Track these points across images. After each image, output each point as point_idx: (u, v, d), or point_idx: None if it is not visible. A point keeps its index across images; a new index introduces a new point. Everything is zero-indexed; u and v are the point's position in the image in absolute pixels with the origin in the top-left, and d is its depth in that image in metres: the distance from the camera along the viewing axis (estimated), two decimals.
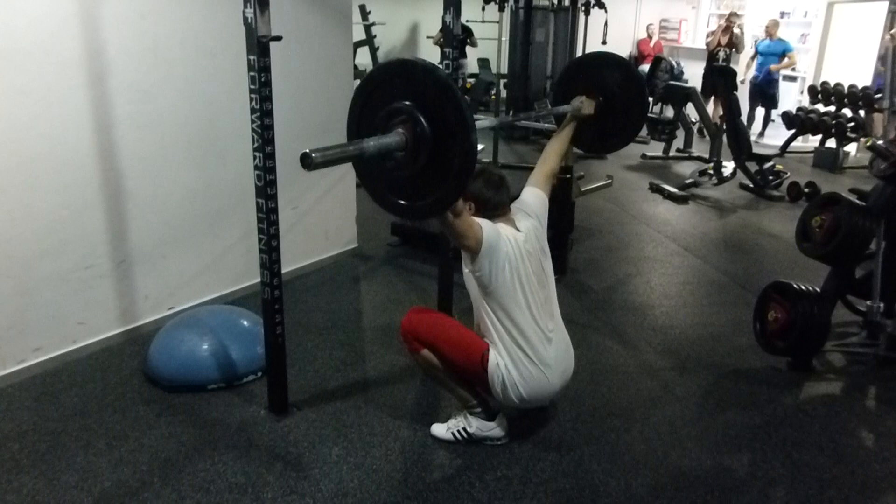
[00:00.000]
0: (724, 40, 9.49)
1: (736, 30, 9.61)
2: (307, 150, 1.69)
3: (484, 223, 2.34)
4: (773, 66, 9.27)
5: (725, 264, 4.77)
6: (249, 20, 2.26)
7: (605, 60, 3.10)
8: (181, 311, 3.45)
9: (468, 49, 10.40)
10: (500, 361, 2.42)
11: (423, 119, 1.88)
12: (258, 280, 2.61)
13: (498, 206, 2.50)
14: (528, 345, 2.42)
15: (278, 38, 2.31)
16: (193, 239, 3.57)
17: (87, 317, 3.16)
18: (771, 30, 9.34)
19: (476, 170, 2.56)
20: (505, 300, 2.39)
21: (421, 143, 1.90)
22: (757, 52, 9.57)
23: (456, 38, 3.14)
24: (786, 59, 9.34)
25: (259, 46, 2.28)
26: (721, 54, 9.41)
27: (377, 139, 1.87)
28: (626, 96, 3.01)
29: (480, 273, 2.35)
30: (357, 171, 2.18)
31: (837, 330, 3.56)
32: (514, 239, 2.43)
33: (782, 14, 10.84)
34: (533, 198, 2.68)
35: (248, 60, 2.32)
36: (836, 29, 9.65)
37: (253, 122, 2.38)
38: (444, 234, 2.30)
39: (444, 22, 3.12)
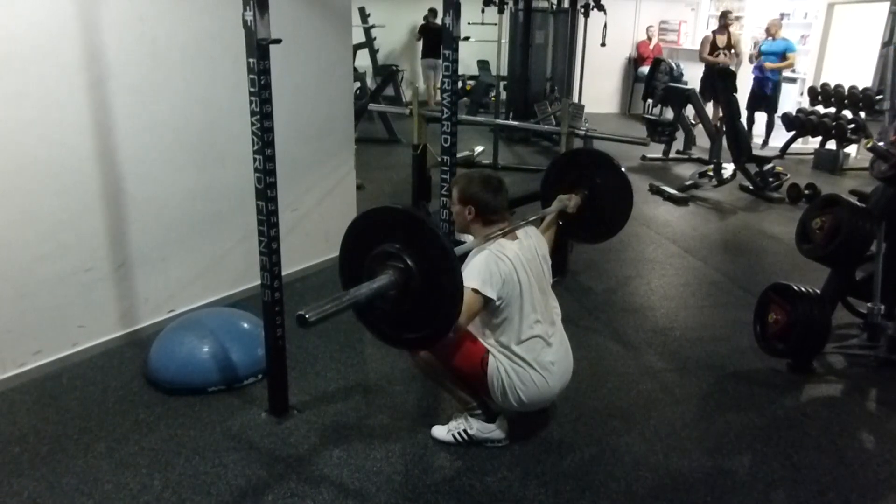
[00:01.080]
0: (723, 42, 9.32)
1: (734, 30, 9.44)
2: (301, 312, 1.76)
3: (477, 280, 2.32)
4: (767, 64, 9.02)
5: (725, 266, 4.77)
6: (249, 23, 2.26)
7: (589, 158, 3.28)
8: (181, 313, 3.45)
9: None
10: (500, 365, 2.42)
11: (409, 259, 1.99)
12: (258, 282, 2.61)
13: (496, 210, 2.51)
14: (528, 349, 2.43)
15: (278, 41, 2.31)
16: (193, 241, 3.57)
17: (88, 320, 3.16)
18: (773, 29, 9.15)
19: (474, 172, 2.57)
20: (507, 308, 2.40)
21: (410, 280, 1.99)
22: (759, 53, 9.38)
23: (455, 40, 3.14)
24: (785, 60, 9.13)
25: (259, 49, 2.29)
26: (721, 56, 9.27)
27: (368, 285, 1.97)
28: (610, 189, 3.13)
29: (500, 302, 2.38)
30: (358, 318, 2.23)
31: (838, 332, 3.56)
32: (513, 254, 2.43)
33: (782, 15, 10.84)
34: (536, 234, 2.73)
35: (248, 63, 2.32)
36: (836, 30, 9.63)
37: (253, 124, 2.38)
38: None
39: (442, 23, 3.13)
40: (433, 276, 1.99)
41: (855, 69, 8.97)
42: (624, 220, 3.24)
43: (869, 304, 3.32)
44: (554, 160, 3.47)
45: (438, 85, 10.92)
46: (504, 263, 2.37)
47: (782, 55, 9.01)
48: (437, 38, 11.22)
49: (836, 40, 9.64)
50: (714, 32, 9.45)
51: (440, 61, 10.94)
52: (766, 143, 9.33)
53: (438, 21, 10.15)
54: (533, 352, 2.43)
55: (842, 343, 3.49)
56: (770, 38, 9.15)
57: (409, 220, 2.06)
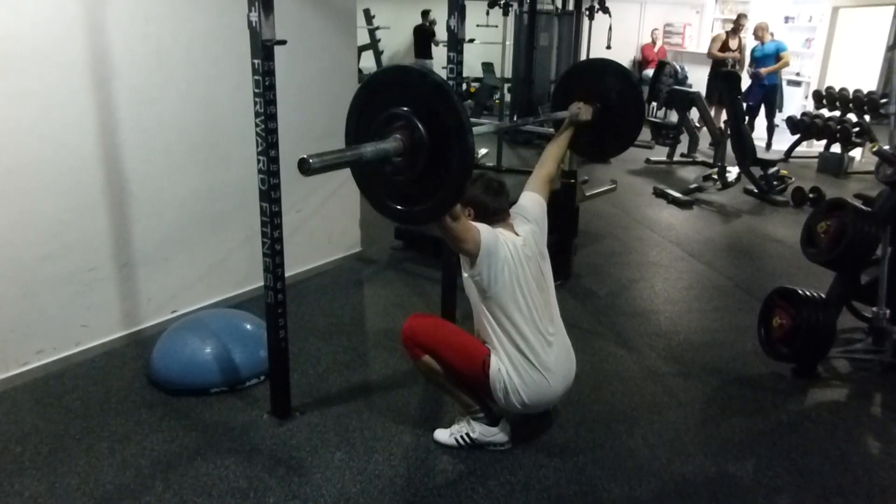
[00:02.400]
0: (735, 44, 9.27)
1: (743, 34, 9.38)
2: (304, 156, 1.70)
3: (482, 227, 2.34)
4: (763, 70, 8.94)
5: (730, 269, 4.76)
6: (254, 24, 2.26)
7: (603, 67, 3.11)
8: (184, 314, 3.45)
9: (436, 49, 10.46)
10: (502, 367, 2.41)
11: (419, 124, 1.90)
12: (261, 283, 2.61)
13: (497, 212, 2.50)
14: (530, 349, 2.42)
15: (283, 42, 2.31)
16: (196, 242, 3.57)
17: (90, 320, 3.16)
18: (760, 33, 9.06)
19: (475, 175, 2.55)
20: (504, 304, 2.39)
21: (418, 148, 1.91)
22: (753, 59, 9.32)
23: (460, 42, 3.14)
24: (780, 61, 9.01)
25: (264, 50, 2.28)
26: (729, 60, 9.20)
27: (374, 144, 1.88)
28: (623, 102, 3.01)
29: (479, 277, 2.34)
30: (355, 178, 2.18)
31: (843, 336, 3.54)
32: (513, 243, 2.43)
33: (787, 19, 10.82)
34: (531, 203, 2.68)
35: (253, 64, 2.32)
36: (841, 33, 9.61)
37: (257, 125, 2.38)
38: (443, 238, 2.30)
39: (448, 25, 3.12)
40: (443, 144, 1.89)
41: (860, 73, 8.95)
42: (635, 134, 3.14)
43: (874, 309, 3.30)
44: (567, 70, 3.35)
45: None
46: (503, 245, 2.37)
47: (776, 57, 8.96)
48: (428, 40, 11.27)
49: (841, 44, 9.62)
50: (727, 33, 9.46)
51: (430, 62, 10.95)
52: (769, 146, 9.23)
53: (428, 22, 10.17)
54: (534, 352, 2.42)
55: (847, 347, 3.47)
56: (759, 43, 9.10)
57: (424, 81, 1.93)
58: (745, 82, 9.10)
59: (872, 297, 3.34)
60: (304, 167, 1.71)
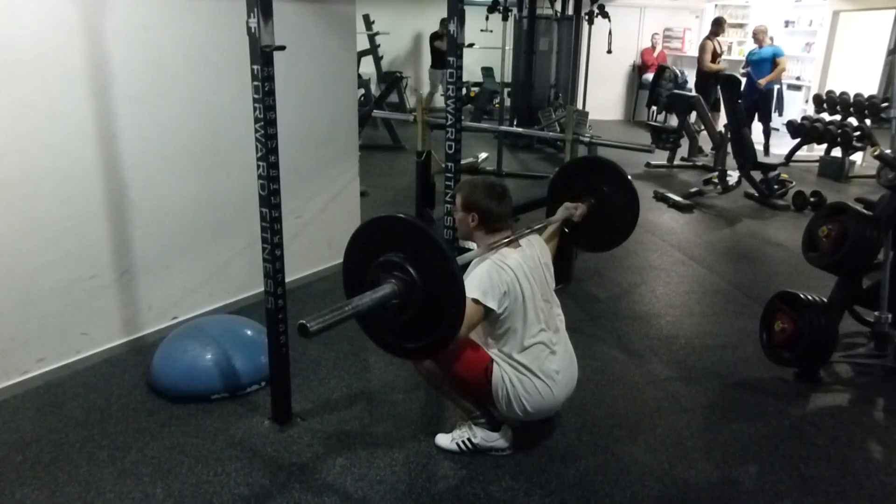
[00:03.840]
0: (720, 49, 9.24)
1: (723, 37, 9.30)
2: (303, 322, 1.76)
3: (478, 282, 2.32)
4: (761, 81, 8.72)
5: (731, 274, 4.75)
6: (253, 30, 2.26)
7: (597, 165, 3.25)
8: (185, 320, 3.45)
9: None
10: (505, 375, 2.40)
11: (412, 269, 1.99)
12: (262, 289, 2.60)
13: (500, 219, 2.50)
14: (532, 357, 2.41)
15: (282, 48, 2.31)
16: (197, 248, 3.56)
17: (91, 327, 3.15)
18: (759, 36, 8.91)
19: (478, 180, 2.55)
20: (511, 317, 2.39)
21: (413, 291, 2.00)
22: (747, 62, 9.15)
23: (460, 46, 3.15)
24: (777, 67, 8.79)
25: (263, 56, 2.29)
26: (723, 63, 9.17)
27: (371, 294, 1.97)
28: (617, 200, 3.12)
29: (501, 315, 2.37)
30: (359, 322, 2.22)
31: (845, 340, 3.53)
32: (516, 261, 2.42)
33: (787, 23, 10.83)
34: (542, 244, 2.71)
35: (252, 70, 2.32)
36: (841, 37, 9.62)
37: (256, 131, 2.38)
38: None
39: (448, 30, 3.13)
40: (435, 287, 1.99)
41: (860, 76, 8.95)
42: (629, 230, 3.22)
43: (876, 313, 3.29)
44: (560, 168, 3.45)
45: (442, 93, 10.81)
46: (506, 273, 2.36)
47: (772, 62, 8.80)
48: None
49: (842, 48, 9.63)
50: (711, 39, 9.28)
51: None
52: (766, 150, 9.09)
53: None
54: (537, 360, 2.42)
55: (849, 352, 3.46)
56: (757, 46, 8.98)
57: (412, 229, 2.07)
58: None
59: (874, 302, 3.33)
60: (304, 332, 1.77)
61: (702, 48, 9.31)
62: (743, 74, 9.00)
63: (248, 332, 3.10)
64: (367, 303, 1.94)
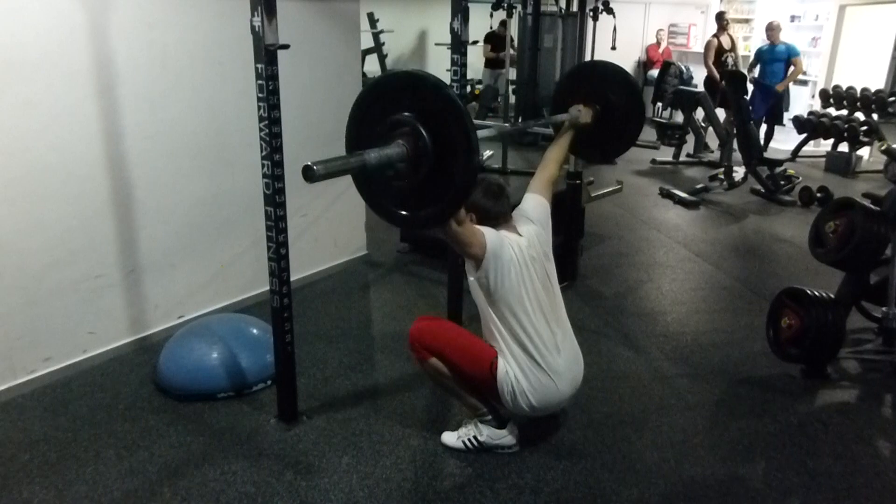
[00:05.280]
0: (728, 43, 8.78)
1: (732, 32, 8.88)
2: (309, 163, 1.69)
3: (486, 230, 2.34)
4: (779, 86, 8.26)
5: (737, 270, 4.73)
6: (257, 28, 2.26)
7: (603, 69, 3.08)
8: (191, 319, 3.46)
9: None
10: (510, 370, 2.40)
11: (424, 132, 1.88)
12: (267, 288, 2.60)
13: (499, 216, 2.49)
14: (537, 352, 2.40)
15: (286, 47, 2.31)
16: (203, 247, 3.57)
17: (97, 326, 3.16)
18: (773, 34, 8.38)
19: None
20: (511, 306, 2.38)
21: (422, 157, 1.90)
22: (757, 60, 8.74)
23: (463, 44, 3.13)
24: (791, 69, 8.26)
25: (267, 55, 2.28)
26: (729, 60, 8.80)
27: (379, 151, 1.87)
28: (623, 104, 2.99)
29: (485, 280, 2.34)
30: (356, 183, 2.15)
31: (852, 336, 3.51)
32: (518, 245, 2.43)
33: (792, 18, 10.77)
34: (534, 204, 2.66)
35: (256, 69, 2.32)
36: (847, 32, 9.56)
37: (261, 130, 2.38)
38: (449, 242, 2.31)
39: (451, 28, 3.12)
40: (448, 152, 1.88)
41: (867, 71, 8.89)
42: (634, 137, 3.10)
43: (884, 309, 3.27)
44: (568, 72, 3.29)
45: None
46: (507, 249, 2.36)
47: (786, 61, 8.29)
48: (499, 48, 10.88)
49: (848, 42, 9.56)
50: (716, 36, 8.86)
51: (502, 71, 10.64)
52: (765, 147, 8.51)
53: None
54: (541, 354, 2.41)
55: (856, 348, 3.44)
56: (769, 43, 8.47)
57: (427, 86, 1.90)
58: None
59: (882, 297, 3.31)
60: (309, 174, 1.70)
61: (706, 46, 9.18)
62: (753, 81, 8.58)
63: (254, 331, 3.11)
64: (374, 158, 1.84)
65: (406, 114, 1.91)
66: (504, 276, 2.34)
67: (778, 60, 8.31)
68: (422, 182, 1.93)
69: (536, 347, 2.41)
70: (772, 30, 8.38)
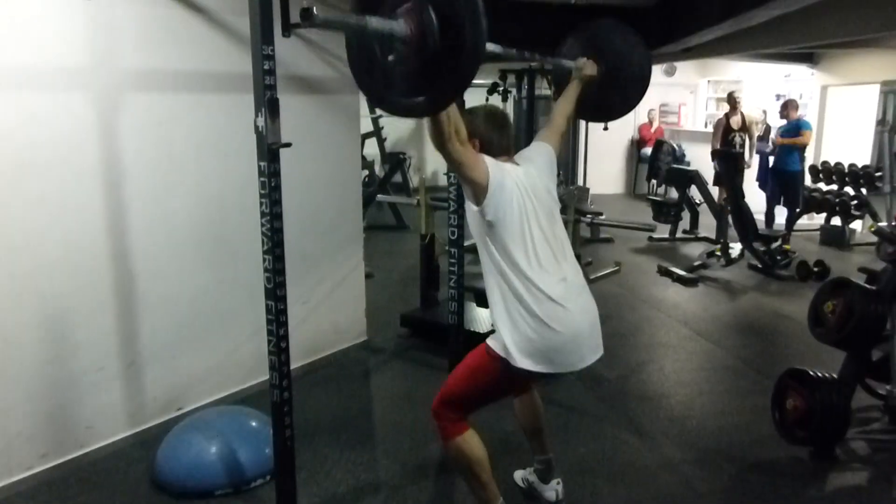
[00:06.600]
0: (737, 123, 8.70)
1: (745, 111, 8.89)
2: (312, 7, 1.62)
3: (488, 158, 2.28)
4: (778, 140, 8.39)
5: (739, 348, 4.71)
6: (261, 128, 2.33)
7: (610, 27, 3.03)
8: (190, 411, 3.42)
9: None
10: (502, 326, 2.30)
11: (430, 7, 1.79)
12: (267, 378, 2.59)
13: (501, 146, 2.43)
14: (542, 282, 2.27)
15: (288, 145, 2.37)
16: (204, 338, 3.57)
17: (96, 421, 3.13)
18: (787, 112, 8.36)
19: (479, 108, 2.50)
20: (514, 236, 2.28)
21: (427, 32, 1.79)
22: (779, 136, 8.57)
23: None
24: (800, 136, 8.25)
25: (269, 153, 2.35)
26: (737, 139, 8.67)
27: (381, 19, 1.80)
28: (629, 66, 2.95)
29: (488, 208, 2.25)
30: (353, 68, 2.04)
31: (859, 416, 3.47)
32: (517, 174, 2.36)
33: (778, 97, 11.10)
34: (537, 148, 2.63)
35: (259, 166, 2.37)
36: (831, 110, 9.85)
37: (263, 225, 2.41)
38: (451, 166, 2.23)
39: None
40: (453, 28, 1.76)
41: (852, 146, 9.10)
42: (638, 99, 3.04)
43: (888, 387, 3.25)
44: (572, 32, 3.15)
45: None
46: (508, 177, 2.30)
47: (795, 132, 8.30)
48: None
49: (833, 120, 9.84)
50: (726, 115, 8.84)
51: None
52: (770, 223, 8.54)
53: None
54: (546, 283, 2.27)
55: (864, 428, 3.40)
56: (785, 121, 8.44)
57: None
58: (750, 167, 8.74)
59: (885, 374, 3.29)
60: (307, 16, 1.62)
61: (715, 125, 8.99)
62: (759, 151, 8.66)
63: (253, 424, 3.07)
64: (375, 23, 1.75)
65: None
66: (507, 206, 2.26)
67: (790, 134, 8.33)
68: (423, 65, 1.83)
69: (541, 278, 2.28)
70: (786, 108, 8.38)
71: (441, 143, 2.07)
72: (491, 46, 2.38)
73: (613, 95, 3.01)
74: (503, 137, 2.44)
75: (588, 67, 2.86)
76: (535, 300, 2.26)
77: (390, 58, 1.85)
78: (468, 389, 2.42)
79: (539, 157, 2.57)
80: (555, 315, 2.26)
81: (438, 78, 1.83)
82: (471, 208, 2.31)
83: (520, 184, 2.32)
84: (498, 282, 2.33)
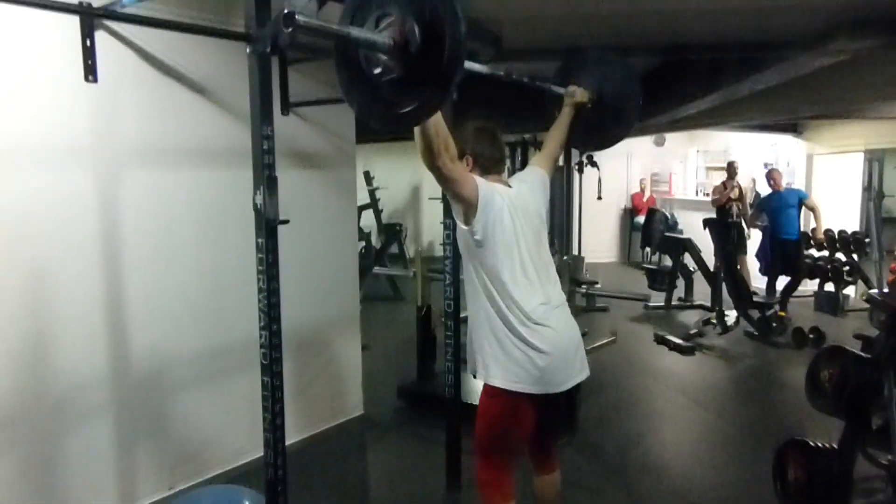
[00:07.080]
0: (735, 194, 8.65)
1: (741, 181, 8.90)
2: (291, 11, 1.65)
3: (478, 178, 2.31)
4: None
5: (737, 417, 4.67)
6: (259, 205, 2.38)
7: (601, 58, 3.09)
8: (181, 490, 3.35)
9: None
10: (487, 349, 2.35)
11: (412, 16, 1.82)
12: (261, 454, 2.55)
13: (493, 161, 2.47)
14: (527, 304, 2.31)
15: (286, 222, 2.41)
16: (197, 413, 3.53)
17: (85, 500, 3.06)
18: (773, 183, 8.01)
19: (468, 125, 2.52)
20: (501, 256, 2.31)
21: (409, 41, 1.81)
22: (762, 209, 8.21)
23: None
24: (813, 212, 7.91)
25: (268, 229, 2.39)
26: (734, 209, 8.61)
27: (366, 31, 1.83)
28: (621, 92, 3.00)
29: (478, 227, 2.27)
30: (343, 87, 2.04)
31: (862, 486, 3.41)
32: (507, 194, 2.39)
33: (765, 165, 11.32)
34: (530, 171, 2.68)
35: (257, 243, 2.41)
36: (818, 178, 10.04)
37: (259, 301, 2.43)
38: (441, 183, 2.22)
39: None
40: (433, 37, 1.78)
41: (840, 213, 9.24)
42: (633, 122, 3.07)
43: (889, 457, 3.21)
44: (569, 54, 3.23)
45: None
46: (498, 197, 2.32)
47: (799, 206, 7.81)
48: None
49: (820, 186, 10.02)
50: (724, 184, 8.78)
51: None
52: (770, 290, 8.16)
53: None
54: (531, 306, 2.31)
55: (868, 499, 3.33)
56: (774, 191, 7.99)
57: None
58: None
59: (886, 442, 3.26)
60: (288, 21, 1.64)
61: (713, 191, 9.02)
62: (760, 227, 8.29)
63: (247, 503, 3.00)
64: (357, 33, 1.77)
65: (391, 5, 1.85)
66: (496, 224, 2.29)
67: (790, 206, 7.84)
68: (412, 67, 1.84)
69: (526, 299, 2.31)
70: (773, 177, 8.09)
71: (431, 159, 2.09)
72: (478, 67, 2.49)
73: (604, 123, 3.07)
74: (495, 149, 2.49)
75: (579, 94, 2.94)
76: (519, 321, 2.30)
77: (376, 70, 1.90)
78: (488, 435, 2.43)
79: (532, 178, 2.64)
80: (540, 335, 2.30)
81: (422, 84, 1.87)
82: (460, 228, 2.36)
83: (509, 204, 2.37)
84: (483, 303, 2.36)
